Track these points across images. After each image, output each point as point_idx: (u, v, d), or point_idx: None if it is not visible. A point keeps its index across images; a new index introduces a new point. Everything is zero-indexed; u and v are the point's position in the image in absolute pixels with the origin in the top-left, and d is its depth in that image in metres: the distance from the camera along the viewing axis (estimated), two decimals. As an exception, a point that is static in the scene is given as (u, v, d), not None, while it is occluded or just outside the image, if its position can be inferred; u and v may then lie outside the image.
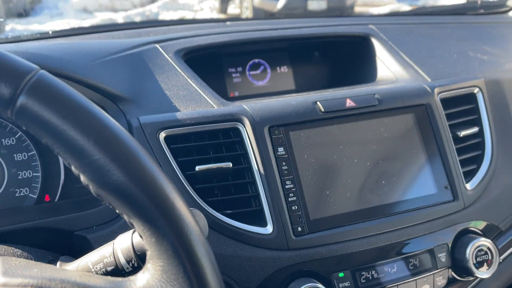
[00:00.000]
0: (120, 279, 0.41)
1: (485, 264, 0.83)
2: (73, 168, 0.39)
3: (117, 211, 0.40)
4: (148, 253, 0.40)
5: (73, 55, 0.85)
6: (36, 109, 0.38)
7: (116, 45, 0.94)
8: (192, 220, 0.40)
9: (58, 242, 0.73)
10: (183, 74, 0.91)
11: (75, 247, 0.73)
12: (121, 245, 0.55)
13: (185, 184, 0.77)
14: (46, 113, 0.38)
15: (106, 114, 0.41)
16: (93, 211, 0.75)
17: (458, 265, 0.84)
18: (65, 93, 0.40)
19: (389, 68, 1.06)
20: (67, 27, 1.11)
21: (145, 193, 0.38)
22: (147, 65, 0.92)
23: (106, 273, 0.54)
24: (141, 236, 0.40)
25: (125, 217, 0.39)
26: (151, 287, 0.39)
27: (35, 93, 0.38)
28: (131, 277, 0.41)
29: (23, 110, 0.38)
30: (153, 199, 0.38)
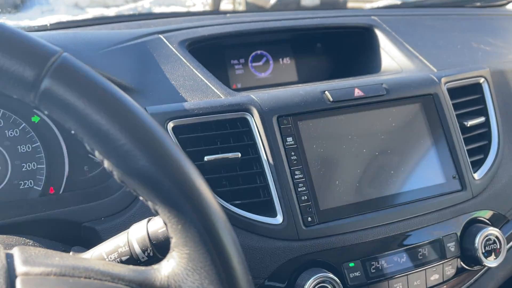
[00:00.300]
0: (143, 268, 0.40)
1: (493, 253, 0.83)
2: (97, 153, 0.38)
3: (140, 198, 0.39)
4: (173, 241, 0.39)
5: (78, 45, 0.83)
6: (61, 93, 0.37)
7: (120, 35, 0.92)
8: (218, 208, 0.39)
9: (66, 234, 0.72)
10: (188, 64, 0.90)
11: (83, 239, 0.72)
12: (136, 235, 0.54)
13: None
14: (70, 96, 0.37)
15: (131, 99, 0.40)
16: (101, 202, 0.74)
17: (467, 254, 0.84)
18: (90, 77, 0.38)
19: (393, 59, 1.05)
20: (63, 20, 1.09)
21: (172, 179, 0.37)
22: (152, 56, 0.90)
23: (121, 263, 0.53)
24: (165, 224, 0.39)
25: (150, 203, 0.38)
26: (177, 275, 0.38)
27: (59, 76, 0.37)
28: (155, 266, 0.40)
29: (47, 94, 0.37)
30: (179, 185, 0.37)
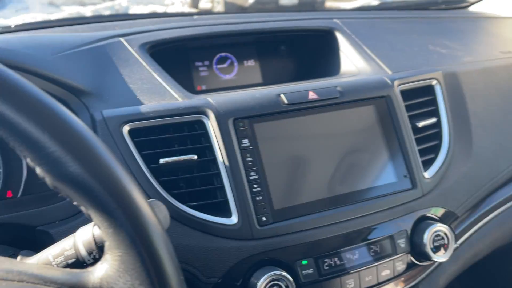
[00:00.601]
0: (78, 270, 0.42)
1: (441, 248, 0.87)
2: (28, 160, 0.40)
3: (74, 203, 0.40)
4: (106, 244, 0.40)
5: (33, 48, 0.84)
6: None
7: (78, 38, 0.93)
8: (149, 211, 0.41)
9: (21, 238, 0.72)
10: (147, 67, 0.91)
11: (38, 242, 0.73)
12: (82, 238, 0.55)
13: (149, 177, 0.77)
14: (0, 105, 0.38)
15: (61, 106, 0.42)
16: (55, 206, 0.75)
17: (417, 250, 0.87)
18: (19, 85, 0.40)
19: (352, 61, 1.09)
20: (31, 20, 1.08)
21: (102, 184, 0.39)
22: (111, 59, 0.91)
23: (67, 266, 0.54)
24: (98, 227, 0.40)
25: (83, 208, 0.40)
26: (110, 277, 0.40)
27: None
28: (89, 268, 0.42)
29: None
30: (109, 190, 0.39)
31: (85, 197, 0.39)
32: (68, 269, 0.42)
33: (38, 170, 0.39)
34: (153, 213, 0.41)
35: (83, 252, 0.54)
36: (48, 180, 0.39)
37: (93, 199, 0.39)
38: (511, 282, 1.57)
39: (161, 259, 0.39)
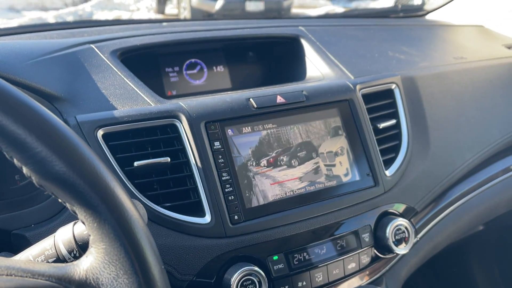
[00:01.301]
0: (64, 264, 0.44)
1: (403, 241, 0.93)
2: (15, 161, 0.42)
3: (59, 200, 0.43)
4: (91, 238, 0.43)
5: (4, 55, 0.84)
6: None
7: (49, 45, 0.94)
8: (131, 205, 0.44)
9: (-4, 242, 0.73)
10: (119, 73, 0.93)
11: (14, 246, 0.74)
12: (62, 237, 0.57)
13: (124, 180, 0.79)
14: None
15: (45, 108, 0.44)
16: (30, 209, 0.76)
17: (380, 243, 0.93)
18: (3, 89, 0.42)
19: (316, 67, 1.14)
20: (-5, 27, 1.08)
21: (86, 181, 0.41)
22: (83, 65, 0.93)
23: (48, 265, 0.56)
24: (83, 223, 0.43)
25: (68, 205, 0.42)
26: (95, 269, 0.42)
27: None
28: (75, 262, 0.44)
29: None
30: (93, 186, 0.41)
31: (70, 194, 0.41)
32: (54, 264, 0.44)
33: (25, 170, 0.42)
34: (134, 208, 0.44)
35: (63, 251, 0.56)
36: (35, 178, 0.42)
37: (78, 195, 0.41)
38: (467, 274, 1.67)
39: (144, 250, 0.42)
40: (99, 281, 0.41)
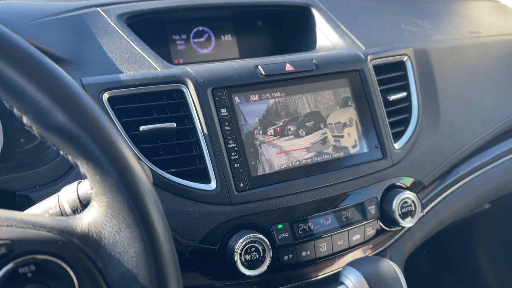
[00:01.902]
0: (66, 217, 0.43)
1: (409, 215, 0.92)
2: (15, 110, 0.41)
3: (61, 152, 0.42)
4: (93, 192, 0.42)
5: (8, 14, 0.83)
6: None
7: (54, 7, 0.92)
8: (135, 159, 0.43)
9: (1, 203, 0.72)
10: (126, 37, 0.91)
11: (18, 207, 0.73)
12: (67, 196, 0.57)
13: (130, 145, 0.79)
14: None
15: (46, 57, 0.43)
16: (36, 171, 0.76)
17: (386, 216, 0.92)
18: (4, 36, 0.40)
19: (327, 37, 1.11)
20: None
21: (88, 133, 0.40)
22: (89, 28, 0.91)
23: (52, 222, 0.56)
24: (85, 176, 0.42)
25: (69, 157, 0.41)
26: (97, 222, 0.42)
27: None
28: (77, 215, 0.43)
29: None
30: (96, 138, 0.40)
31: (72, 146, 0.40)
32: (56, 216, 0.44)
33: (25, 120, 0.41)
34: (137, 161, 0.43)
35: (67, 209, 0.56)
36: (35, 129, 0.41)
37: (80, 147, 0.40)
38: (470, 252, 1.67)
39: (147, 204, 0.41)
40: (101, 235, 0.41)
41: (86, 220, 0.42)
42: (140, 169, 0.43)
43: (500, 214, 1.60)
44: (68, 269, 0.39)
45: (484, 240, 1.73)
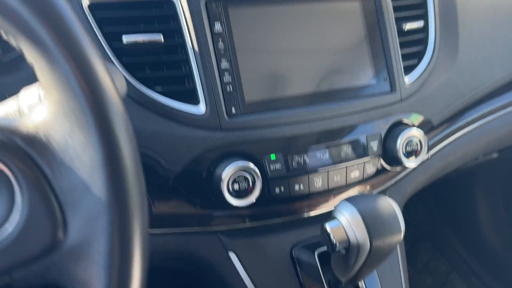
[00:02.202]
0: (13, 117, 0.37)
1: (413, 154, 0.85)
2: None
3: (1, 32, 0.34)
4: (42, 84, 0.35)
5: None
6: None
7: None
8: (92, 48, 0.35)
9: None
10: None
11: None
12: (28, 101, 0.50)
13: (112, 57, 0.71)
14: None
15: None
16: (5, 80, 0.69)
17: (388, 154, 0.85)
18: None
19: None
20: None
21: (32, 9, 0.32)
22: None
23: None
24: (32, 66, 0.35)
25: (12, 40, 0.34)
26: (46, 123, 0.35)
27: None
28: (26, 114, 0.37)
29: None
30: (42, 16, 0.33)
31: (12, 23, 0.33)
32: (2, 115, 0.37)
33: None
34: (98, 53, 0.35)
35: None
36: None
37: (22, 25, 0.32)
38: (470, 204, 1.63)
39: (104, 101, 0.34)
40: (50, 137, 0.34)
41: (34, 120, 0.35)
42: (100, 60, 0.35)
43: (506, 167, 1.54)
44: (7, 171, 0.33)
45: (486, 194, 1.68)
